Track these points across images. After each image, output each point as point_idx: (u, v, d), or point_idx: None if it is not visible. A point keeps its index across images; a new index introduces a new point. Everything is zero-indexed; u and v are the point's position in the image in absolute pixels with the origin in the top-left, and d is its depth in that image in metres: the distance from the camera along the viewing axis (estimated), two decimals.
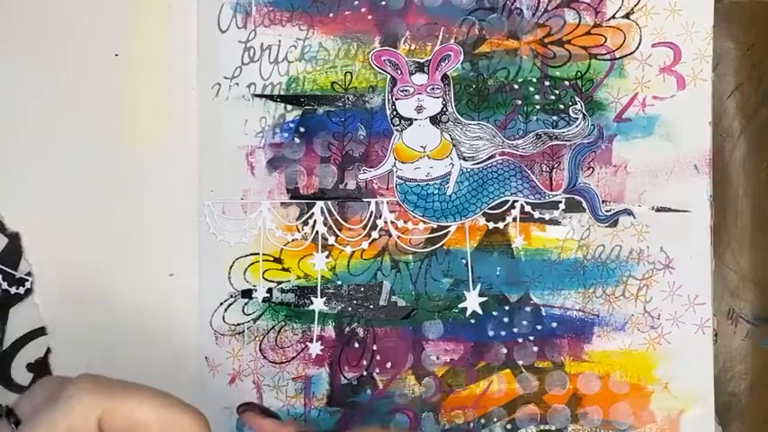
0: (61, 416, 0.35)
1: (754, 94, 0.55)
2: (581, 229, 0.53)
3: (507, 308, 0.53)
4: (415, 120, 0.53)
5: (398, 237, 0.53)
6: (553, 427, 0.54)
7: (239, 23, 0.53)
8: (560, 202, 0.53)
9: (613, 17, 0.53)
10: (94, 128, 0.53)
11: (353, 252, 0.53)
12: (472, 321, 0.53)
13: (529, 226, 0.53)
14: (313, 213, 0.53)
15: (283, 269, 0.53)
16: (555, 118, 0.53)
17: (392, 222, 0.53)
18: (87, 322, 0.53)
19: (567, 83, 0.53)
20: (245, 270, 0.53)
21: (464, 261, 0.53)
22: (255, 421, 0.47)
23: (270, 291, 0.53)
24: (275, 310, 0.53)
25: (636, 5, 0.53)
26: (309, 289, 0.53)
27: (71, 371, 0.53)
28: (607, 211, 0.53)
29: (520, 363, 0.54)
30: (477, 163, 0.53)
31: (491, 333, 0.53)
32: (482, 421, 0.53)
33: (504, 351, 0.53)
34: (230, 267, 0.53)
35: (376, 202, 0.53)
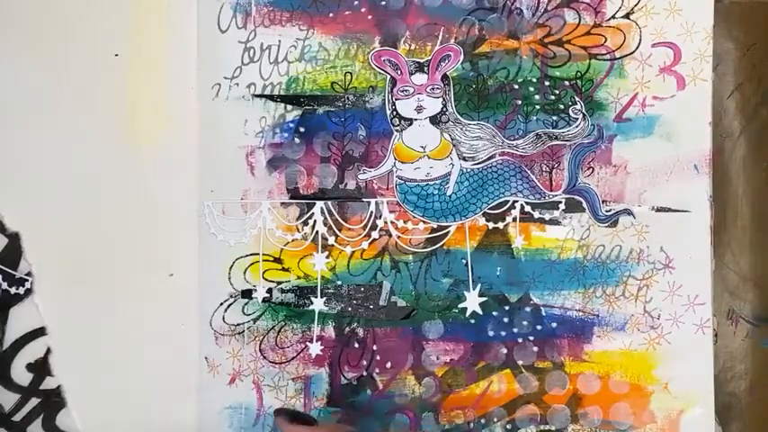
0: None
1: (754, 94, 0.55)
2: (581, 229, 0.53)
3: (507, 308, 0.53)
4: (415, 120, 0.53)
5: (398, 237, 0.53)
6: (553, 428, 0.54)
7: (239, 23, 0.53)
8: (560, 202, 0.53)
9: (613, 17, 0.53)
10: (94, 128, 0.53)
11: (353, 252, 0.53)
12: (472, 321, 0.53)
13: (529, 226, 0.53)
14: (313, 213, 0.53)
15: (283, 269, 0.53)
16: (555, 118, 0.53)
17: (392, 222, 0.53)
18: (87, 322, 0.53)
19: (567, 83, 0.53)
20: (245, 270, 0.53)
21: (464, 261, 0.53)
22: (285, 428, 0.47)
23: (270, 291, 0.53)
24: (275, 311, 0.53)
25: (636, 5, 0.53)
26: (309, 289, 0.53)
27: (71, 371, 0.53)
28: (607, 211, 0.53)
29: (520, 363, 0.54)
30: (477, 163, 0.53)
31: (491, 333, 0.53)
32: (482, 421, 0.53)
33: (504, 351, 0.53)
34: (230, 267, 0.53)
35: (376, 202, 0.53)
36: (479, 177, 0.53)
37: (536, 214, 0.53)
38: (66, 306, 0.53)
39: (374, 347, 0.53)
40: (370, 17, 0.53)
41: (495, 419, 0.54)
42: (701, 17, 0.53)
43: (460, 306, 0.53)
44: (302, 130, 0.53)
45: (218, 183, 0.53)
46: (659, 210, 0.53)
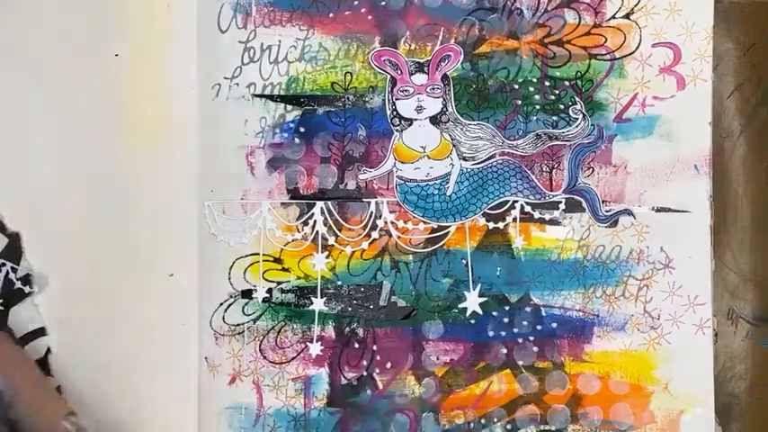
0: None
1: (754, 95, 0.55)
2: (581, 229, 0.53)
3: (507, 308, 0.53)
4: (415, 120, 0.53)
5: (398, 237, 0.53)
6: (553, 428, 0.54)
7: (239, 23, 0.53)
8: (560, 202, 0.53)
9: (613, 17, 0.53)
10: (95, 128, 0.53)
11: (353, 252, 0.53)
12: (472, 321, 0.53)
13: (529, 226, 0.53)
14: (313, 213, 0.53)
15: (283, 269, 0.53)
16: (555, 118, 0.53)
17: (392, 222, 0.53)
18: (87, 322, 0.53)
19: (567, 83, 0.53)
20: (245, 270, 0.53)
21: (464, 261, 0.53)
22: None
23: (270, 291, 0.53)
24: (275, 311, 0.53)
25: (636, 5, 0.53)
26: (309, 289, 0.53)
27: (71, 371, 0.53)
28: (607, 212, 0.53)
29: (520, 363, 0.54)
30: (477, 163, 0.53)
31: (491, 333, 0.53)
32: (482, 421, 0.53)
33: (504, 351, 0.53)
34: (230, 268, 0.53)
35: (376, 203, 0.53)
36: (479, 177, 0.53)
37: (536, 214, 0.53)
38: (66, 306, 0.53)
39: (374, 347, 0.53)
40: (370, 17, 0.53)
41: (495, 420, 0.54)
42: (701, 17, 0.53)
43: (460, 306, 0.53)
44: (302, 130, 0.53)
45: (218, 183, 0.53)
46: (659, 210, 0.53)
